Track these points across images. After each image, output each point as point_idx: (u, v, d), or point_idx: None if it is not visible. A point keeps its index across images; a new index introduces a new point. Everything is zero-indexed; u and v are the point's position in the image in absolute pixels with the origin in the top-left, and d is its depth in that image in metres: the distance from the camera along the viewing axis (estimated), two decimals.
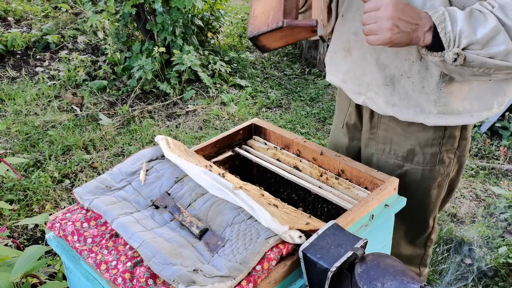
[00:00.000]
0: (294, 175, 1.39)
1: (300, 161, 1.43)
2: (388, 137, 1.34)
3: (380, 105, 1.27)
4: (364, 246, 0.99)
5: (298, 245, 1.00)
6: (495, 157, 2.99)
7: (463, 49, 0.99)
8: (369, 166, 1.32)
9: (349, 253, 0.95)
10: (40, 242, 2.31)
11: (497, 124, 3.15)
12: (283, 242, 1.01)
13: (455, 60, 0.99)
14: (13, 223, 2.35)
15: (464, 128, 1.31)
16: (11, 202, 2.53)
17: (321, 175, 1.37)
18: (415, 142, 1.31)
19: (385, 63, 1.20)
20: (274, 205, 1.15)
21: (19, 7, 5.01)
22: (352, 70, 1.30)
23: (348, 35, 1.27)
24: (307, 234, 1.03)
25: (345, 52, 1.30)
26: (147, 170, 1.23)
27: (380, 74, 1.23)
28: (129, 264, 0.98)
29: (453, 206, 2.55)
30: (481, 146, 3.08)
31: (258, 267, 0.96)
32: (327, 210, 1.36)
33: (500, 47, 0.99)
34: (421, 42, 1.02)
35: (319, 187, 1.34)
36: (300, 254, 0.98)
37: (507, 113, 3.14)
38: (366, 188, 1.31)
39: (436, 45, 1.01)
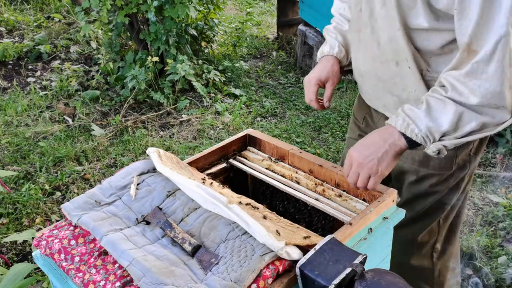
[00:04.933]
0: (290, 187, 1.36)
1: (296, 172, 1.40)
2: None
3: None
4: (363, 262, 0.96)
5: (295, 262, 0.96)
6: (491, 165, 2.97)
7: (440, 140, 1.05)
8: None
9: (348, 270, 0.92)
10: (30, 257, 2.24)
11: None
12: (279, 258, 0.97)
13: (438, 152, 1.06)
14: (1, 238, 2.29)
15: None
16: (0, 216, 2.47)
17: (317, 187, 1.34)
18: None
19: (394, 92, 1.26)
20: (269, 219, 1.11)
21: (11, 17, 4.98)
22: (369, 93, 1.39)
23: (357, 63, 1.36)
24: (304, 249, 0.99)
25: (361, 77, 1.38)
26: (138, 184, 1.19)
27: (392, 100, 1.29)
28: (118, 284, 0.94)
29: None
30: None
31: (254, 286, 0.92)
32: (324, 222, 1.32)
33: (471, 125, 1.02)
34: (403, 148, 1.09)
35: (316, 199, 1.30)
36: (297, 271, 0.95)
37: None
38: (364, 200, 1.28)
39: (416, 143, 1.07)
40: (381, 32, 1.19)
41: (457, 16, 1.00)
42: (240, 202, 1.14)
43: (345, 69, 1.45)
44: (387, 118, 1.36)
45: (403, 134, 1.08)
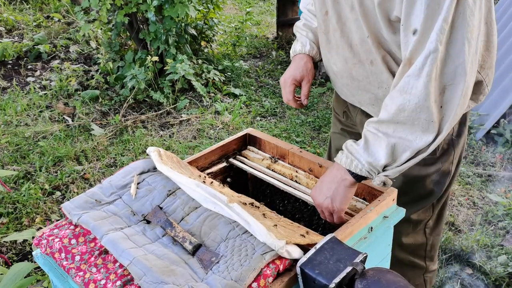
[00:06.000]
0: (290, 186, 1.36)
1: (296, 171, 1.40)
2: None
3: (375, 113, 1.34)
4: (363, 261, 0.96)
5: (296, 260, 0.96)
6: (491, 164, 2.97)
7: (384, 171, 1.09)
8: None
9: (349, 268, 0.92)
10: (30, 257, 2.24)
11: (492, 131, 3.15)
12: (280, 257, 0.97)
13: (384, 184, 1.11)
14: (1, 238, 2.29)
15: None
16: (0, 215, 2.47)
17: None
18: None
19: (370, 90, 1.28)
20: (269, 218, 1.11)
21: (10, 16, 4.97)
22: (344, 90, 1.40)
23: (328, 62, 1.37)
24: (305, 248, 0.99)
25: (334, 75, 1.39)
26: (138, 183, 1.19)
27: (367, 97, 1.31)
28: (118, 283, 0.94)
29: (450, 215, 2.52)
30: (477, 153, 3.06)
31: (254, 285, 0.92)
32: (324, 222, 1.32)
33: (406, 154, 1.06)
34: (352, 181, 1.14)
35: None
36: (298, 270, 0.95)
37: (502, 120, 3.14)
38: (364, 199, 1.28)
39: (362, 177, 1.12)
40: (352, 35, 1.21)
41: (403, 32, 1.04)
42: (240, 201, 1.14)
43: (319, 63, 1.46)
44: (363, 112, 1.40)
45: (349, 170, 1.12)
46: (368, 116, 1.37)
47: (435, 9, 0.97)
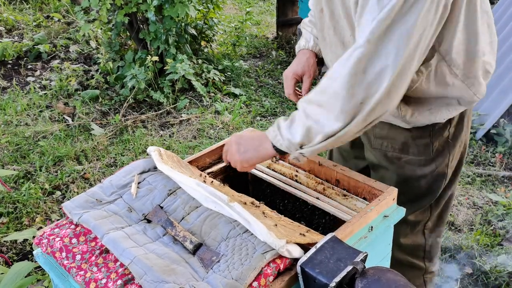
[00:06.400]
0: (290, 186, 1.36)
1: (297, 171, 1.40)
2: (383, 133, 1.38)
3: None
4: (364, 260, 0.96)
5: (296, 260, 0.97)
6: (491, 164, 2.97)
7: (301, 148, 1.13)
8: (372, 160, 1.33)
9: (349, 268, 0.92)
10: (30, 256, 2.24)
11: (492, 131, 3.15)
12: (280, 256, 0.97)
13: (298, 159, 1.16)
14: (1, 237, 2.29)
15: (452, 118, 1.32)
16: (0, 215, 2.47)
17: (318, 186, 1.34)
18: (408, 135, 1.34)
19: None
20: (270, 217, 1.11)
21: (10, 16, 4.97)
22: None
23: (326, 59, 1.41)
24: (305, 247, 0.99)
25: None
26: (139, 183, 1.19)
27: None
28: (119, 282, 0.94)
29: (450, 214, 2.52)
30: (477, 153, 3.06)
31: (255, 284, 0.92)
32: (324, 221, 1.32)
33: (318, 137, 1.09)
34: (269, 152, 1.19)
35: (316, 197, 1.30)
36: (298, 269, 0.95)
37: (501, 120, 3.14)
38: (364, 198, 1.28)
39: (283, 151, 1.17)
40: (344, 33, 1.22)
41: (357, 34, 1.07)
42: (240, 201, 1.14)
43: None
44: None
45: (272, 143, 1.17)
46: None
47: (375, 9, 0.97)
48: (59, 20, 5.11)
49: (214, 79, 3.92)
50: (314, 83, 1.42)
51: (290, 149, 1.14)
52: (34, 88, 3.81)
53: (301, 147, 1.12)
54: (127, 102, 3.57)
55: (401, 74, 1.02)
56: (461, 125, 1.35)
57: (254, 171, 1.43)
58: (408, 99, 1.24)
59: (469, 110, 1.37)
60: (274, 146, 1.16)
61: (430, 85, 1.19)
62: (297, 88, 1.45)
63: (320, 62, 1.47)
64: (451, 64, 1.15)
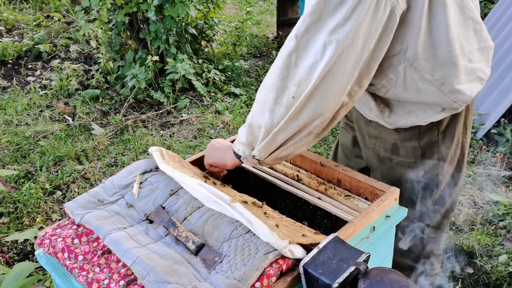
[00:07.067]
0: (292, 186, 1.36)
1: (298, 171, 1.40)
2: (376, 133, 1.38)
3: (365, 113, 1.40)
4: (366, 260, 0.96)
5: (298, 260, 0.96)
6: (491, 164, 2.97)
7: (252, 151, 1.14)
8: (367, 159, 1.33)
9: (352, 268, 0.92)
10: (31, 256, 2.24)
11: (492, 131, 3.15)
12: (283, 257, 0.97)
13: (253, 164, 1.17)
14: (2, 237, 2.29)
15: (440, 123, 1.30)
16: (0, 215, 2.47)
17: (320, 186, 1.34)
18: (396, 137, 1.34)
19: (361, 110, 1.37)
20: (272, 217, 1.11)
21: (10, 16, 4.97)
22: None
23: None
24: (308, 248, 0.99)
25: None
26: (140, 183, 1.19)
27: (362, 111, 1.39)
28: (122, 282, 0.94)
29: None
30: (478, 153, 3.07)
31: (258, 284, 0.92)
32: (326, 221, 1.32)
33: (261, 131, 1.09)
34: (231, 158, 1.21)
35: (318, 198, 1.30)
36: (301, 270, 0.95)
37: (502, 120, 3.14)
38: (366, 198, 1.28)
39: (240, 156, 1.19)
40: None
41: None
42: (242, 201, 1.14)
43: None
44: (359, 113, 1.43)
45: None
46: (361, 114, 1.39)
47: (307, 4, 0.98)
48: (59, 20, 5.10)
49: (214, 78, 3.92)
50: None
51: (245, 152, 1.15)
52: (35, 87, 3.80)
53: (253, 149, 1.13)
54: (128, 102, 3.56)
55: (333, 74, 0.99)
56: (452, 130, 1.32)
57: (255, 171, 1.43)
58: (387, 100, 1.25)
59: (467, 116, 1.34)
60: (235, 153, 1.18)
61: (402, 90, 1.18)
62: None
63: None
64: (421, 70, 1.12)
